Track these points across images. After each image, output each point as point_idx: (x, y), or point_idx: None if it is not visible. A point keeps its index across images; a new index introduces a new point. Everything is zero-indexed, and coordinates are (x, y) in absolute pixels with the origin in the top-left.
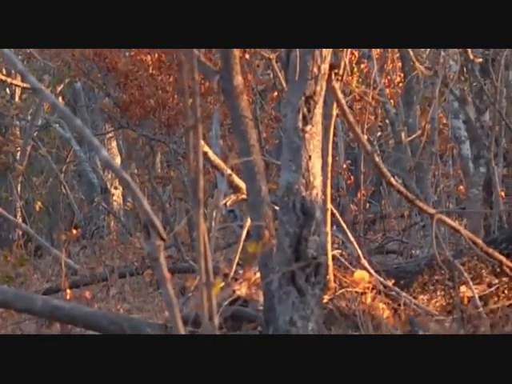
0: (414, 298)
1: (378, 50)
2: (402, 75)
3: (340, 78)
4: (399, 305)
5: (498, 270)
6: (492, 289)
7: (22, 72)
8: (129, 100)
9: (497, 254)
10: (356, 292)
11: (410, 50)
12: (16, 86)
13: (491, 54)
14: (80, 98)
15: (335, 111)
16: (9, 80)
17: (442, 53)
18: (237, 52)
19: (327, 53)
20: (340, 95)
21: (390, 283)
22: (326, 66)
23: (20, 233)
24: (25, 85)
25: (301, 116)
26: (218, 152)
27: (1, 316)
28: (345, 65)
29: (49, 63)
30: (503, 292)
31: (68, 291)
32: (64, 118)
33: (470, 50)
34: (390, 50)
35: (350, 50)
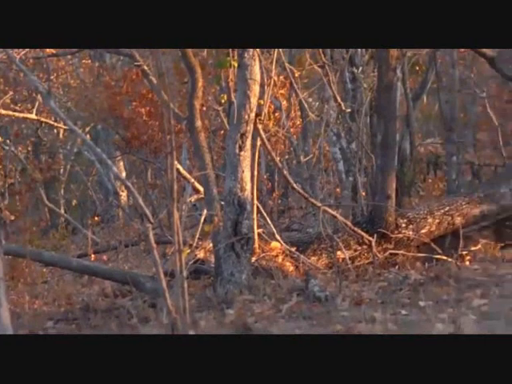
0: (308, 258)
1: (286, 103)
2: (301, 120)
3: (262, 121)
4: (299, 263)
5: (361, 241)
6: (357, 253)
7: (63, 119)
8: (130, 136)
9: (360, 231)
10: (272, 255)
11: (306, 105)
12: (60, 127)
13: (356, 106)
14: (100, 135)
15: (259, 142)
16: (55, 124)
17: (326, 106)
18: (198, 106)
19: (253, 105)
20: (262, 132)
21: (293, 249)
22: (253, 114)
23: (63, 219)
24: (65, 127)
25: (237, 146)
26: (186, 168)
27: (50, 271)
28: (265, 113)
29: (80, 113)
30: (364, 255)
31: (92, 256)
32: (90, 148)
33: (342, 104)
34: (292, 103)
35: (268, 103)
